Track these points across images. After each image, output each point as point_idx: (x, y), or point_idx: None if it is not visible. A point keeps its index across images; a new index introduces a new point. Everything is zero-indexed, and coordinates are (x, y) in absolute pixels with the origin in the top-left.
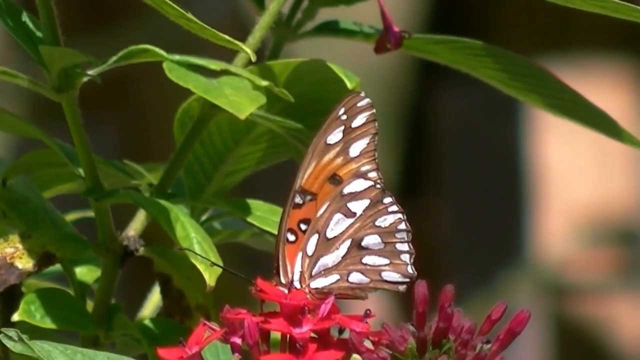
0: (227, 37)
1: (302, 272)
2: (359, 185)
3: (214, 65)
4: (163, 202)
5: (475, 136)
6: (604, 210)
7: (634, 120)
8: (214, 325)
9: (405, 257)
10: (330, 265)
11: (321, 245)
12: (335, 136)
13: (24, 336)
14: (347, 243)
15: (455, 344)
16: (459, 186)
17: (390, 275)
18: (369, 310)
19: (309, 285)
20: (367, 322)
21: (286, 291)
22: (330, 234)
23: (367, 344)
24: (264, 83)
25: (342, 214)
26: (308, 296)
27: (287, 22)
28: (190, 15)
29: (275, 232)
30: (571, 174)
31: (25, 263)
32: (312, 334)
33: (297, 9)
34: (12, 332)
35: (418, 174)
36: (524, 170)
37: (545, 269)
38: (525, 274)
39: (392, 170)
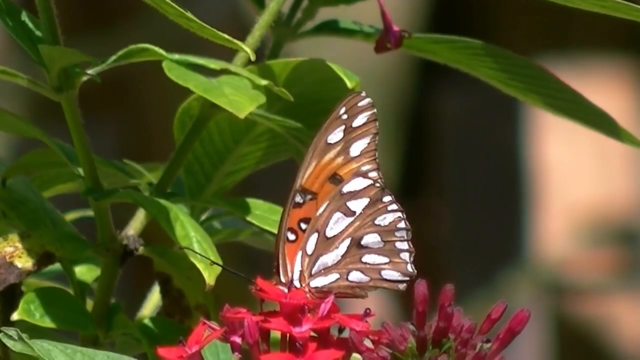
0: (226, 36)
1: (301, 271)
2: (358, 183)
3: (213, 64)
4: (163, 201)
5: (475, 136)
6: (603, 210)
7: (633, 120)
8: (214, 325)
9: (405, 256)
10: (329, 264)
11: (321, 244)
12: (335, 135)
13: (23, 335)
14: (347, 242)
15: (455, 343)
16: (459, 186)
17: (390, 274)
18: (369, 309)
19: (308, 284)
20: (367, 321)
21: (286, 290)
22: (329, 232)
23: (367, 343)
24: (264, 82)
25: (342, 212)
26: (308, 295)
27: (286, 21)
28: (189, 15)
29: (275, 231)
30: (571, 174)
31: (24, 262)
32: (312, 333)
33: (297, 9)
34: (12, 331)
35: (418, 174)
36: (524, 170)
37: (545, 269)
38: (525, 273)
39: (392, 170)
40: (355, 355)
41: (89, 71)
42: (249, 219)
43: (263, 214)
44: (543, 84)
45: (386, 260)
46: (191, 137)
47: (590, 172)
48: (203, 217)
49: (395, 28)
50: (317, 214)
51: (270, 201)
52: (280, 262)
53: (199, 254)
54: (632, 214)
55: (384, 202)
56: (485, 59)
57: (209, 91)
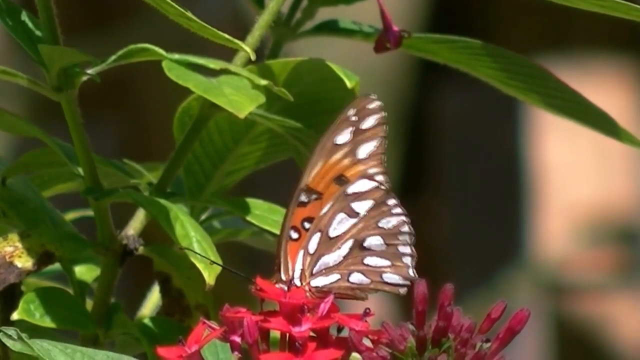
0: (226, 35)
1: (302, 270)
2: (363, 185)
3: (213, 64)
4: (162, 201)
5: (475, 136)
6: (603, 209)
7: (633, 120)
8: (214, 324)
9: (407, 260)
10: (331, 265)
11: (323, 244)
12: (344, 137)
13: (23, 335)
14: (349, 243)
15: (455, 342)
16: (458, 186)
17: (391, 277)
18: (369, 309)
19: (309, 283)
20: (366, 321)
21: (286, 289)
22: (332, 233)
23: (367, 342)
24: (264, 82)
25: (346, 213)
26: (308, 294)
27: (286, 21)
28: (189, 14)
29: (275, 231)
30: (571, 174)
31: (24, 262)
32: (312, 333)
33: (297, 8)
34: (11, 331)
35: (418, 173)
36: (524, 169)
37: (544, 269)
38: (525, 273)
39: (392, 170)
40: (354, 354)
41: (89, 71)
42: (248, 218)
43: (263, 213)
44: (543, 84)
45: (388, 263)
46: (191, 137)
47: (590, 172)
48: (203, 217)
49: (395, 28)
50: (321, 213)
51: (270, 201)
52: (282, 260)
53: (199, 254)
54: (631, 214)
55: (389, 205)
56: (485, 59)
57: (208, 91)
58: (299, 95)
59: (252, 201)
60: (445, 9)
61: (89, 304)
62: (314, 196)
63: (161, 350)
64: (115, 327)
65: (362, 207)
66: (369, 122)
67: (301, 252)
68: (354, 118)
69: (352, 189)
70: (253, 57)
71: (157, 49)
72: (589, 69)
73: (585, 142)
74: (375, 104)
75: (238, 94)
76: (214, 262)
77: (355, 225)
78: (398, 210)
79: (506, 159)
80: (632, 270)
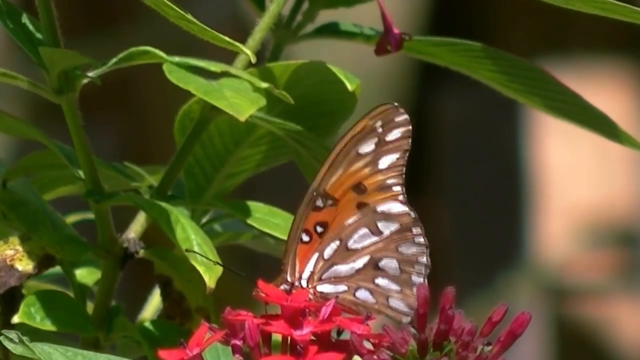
0: (227, 38)
1: (312, 273)
2: (394, 207)
3: (214, 67)
4: (163, 204)
5: (476, 138)
6: (604, 211)
7: (634, 122)
8: (215, 327)
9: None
10: (342, 275)
11: (340, 254)
12: (368, 147)
13: (24, 338)
14: (366, 259)
15: (456, 345)
16: (459, 187)
17: (397, 304)
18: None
19: (315, 287)
20: (368, 324)
21: (288, 289)
22: (351, 245)
23: (368, 345)
24: (264, 85)
25: (370, 230)
26: (311, 297)
27: (287, 24)
28: (190, 17)
29: (275, 234)
30: (571, 176)
31: (25, 265)
32: (313, 336)
33: (298, 11)
34: (12, 334)
35: (418, 175)
36: (524, 171)
37: (545, 271)
38: (526, 275)
39: None
40: (356, 357)
41: (90, 73)
42: (249, 221)
43: (263, 216)
44: (543, 86)
45: (398, 288)
46: (192, 140)
47: (590, 174)
48: (204, 220)
49: (396, 30)
50: (346, 223)
51: (270, 204)
52: (290, 261)
53: (199, 254)
54: (632, 216)
55: (413, 233)
56: (486, 62)
57: (209, 94)
58: (300, 98)
59: (252, 204)
60: (445, 11)
61: (90, 307)
62: (329, 202)
63: (162, 353)
64: (116, 330)
65: (387, 227)
66: (395, 135)
67: (315, 255)
68: (380, 129)
69: (382, 208)
70: (254, 59)
71: (157, 51)
72: (589, 71)
73: (586, 144)
74: (402, 117)
75: (239, 97)
76: (217, 263)
77: (375, 243)
78: (421, 240)
79: (507, 160)
80: (632, 272)
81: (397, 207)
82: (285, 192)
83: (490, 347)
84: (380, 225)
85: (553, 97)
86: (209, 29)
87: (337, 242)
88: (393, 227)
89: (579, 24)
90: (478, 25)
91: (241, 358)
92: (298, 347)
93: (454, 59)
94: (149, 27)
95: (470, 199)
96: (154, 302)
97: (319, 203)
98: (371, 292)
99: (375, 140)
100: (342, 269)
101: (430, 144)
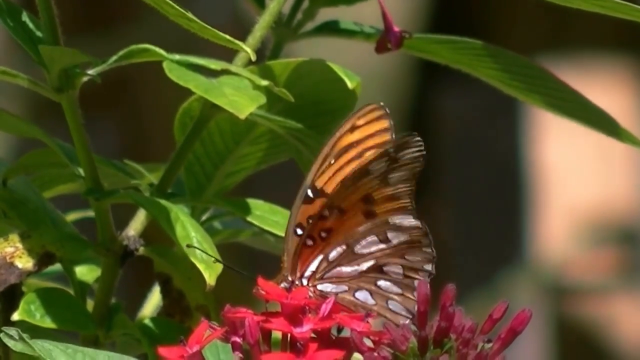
0: (227, 36)
1: (314, 272)
2: (406, 220)
3: (214, 64)
4: (163, 201)
5: (476, 136)
6: (604, 210)
7: (634, 120)
8: (215, 325)
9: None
10: (344, 275)
11: (345, 257)
12: (379, 165)
13: (24, 335)
14: (370, 263)
15: (457, 343)
16: (459, 186)
17: (396, 306)
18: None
19: (315, 285)
20: (368, 322)
21: (288, 286)
22: (358, 249)
23: (368, 343)
24: (264, 83)
25: (379, 238)
26: (310, 295)
27: (287, 22)
28: (190, 15)
29: (275, 232)
30: (572, 174)
31: (25, 262)
32: (313, 334)
33: (298, 9)
34: (12, 331)
35: (418, 174)
36: (525, 170)
37: (545, 269)
38: (526, 274)
39: None
40: (356, 355)
41: (90, 71)
42: (249, 219)
43: (263, 214)
44: (543, 84)
45: (399, 291)
46: (192, 138)
47: (590, 173)
48: (204, 218)
49: (396, 28)
50: (354, 230)
51: (270, 202)
52: (291, 261)
53: (199, 249)
54: (632, 215)
55: (421, 244)
56: (486, 59)
57: (209, 91)
58: (300, 96)
59: (252, 202)
60: (446, 9)
61: (90, 304)
62: (336, 211)
63: (162, 351)
64: (116, 328)
65: (396, 237)
66: (407, 156)
67: (319, 257)
68: (392, 152)
69: (394, 219)
70: (254, 57)
71: (157, 49)
72: (589, 69)
73: (586, 143)
74: (415, 140)
75: (239, 95)
76: (217, 260)
77: (382, 250)
78: (428, 250)
79: (507, 159)
80: (632, 271)
81: (410, 221)
82: (285, 189)
83: (490, 345)
84: (390, 235)
85: (553, 95)
86: (209, 27)
87: (344, 247)
88: (403, 237)
89: (579, 21)
90: (478, 23)
91: (241, 355)
92: (298, 344)
93: (454, 57)
94: (149, 25)
95: (470, 198)
96: (154, 300)
97: (326, 212)
98: (371, 293)
99: (386, 159)
100: (346, 270)
101: (431, 142)
